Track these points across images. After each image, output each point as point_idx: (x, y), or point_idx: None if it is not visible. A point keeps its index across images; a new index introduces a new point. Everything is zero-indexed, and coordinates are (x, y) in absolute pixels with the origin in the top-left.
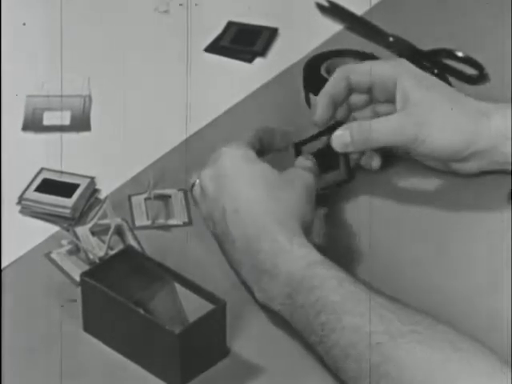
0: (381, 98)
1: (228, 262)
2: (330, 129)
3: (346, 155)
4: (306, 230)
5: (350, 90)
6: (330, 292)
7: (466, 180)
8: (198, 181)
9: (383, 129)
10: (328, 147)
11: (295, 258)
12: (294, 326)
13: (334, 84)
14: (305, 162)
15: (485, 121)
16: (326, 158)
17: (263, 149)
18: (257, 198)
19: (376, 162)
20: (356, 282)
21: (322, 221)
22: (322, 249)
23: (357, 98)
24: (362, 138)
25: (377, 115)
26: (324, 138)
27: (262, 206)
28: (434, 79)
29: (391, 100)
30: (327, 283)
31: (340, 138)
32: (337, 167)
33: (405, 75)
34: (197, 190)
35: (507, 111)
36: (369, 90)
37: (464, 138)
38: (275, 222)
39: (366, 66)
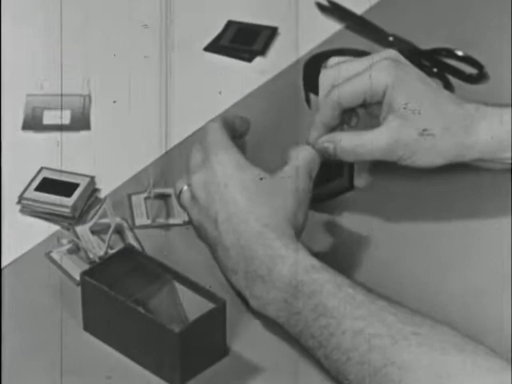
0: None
1: (221, 270)
2: None
3: (350, 164)
4: (298, 234)
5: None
6: (329, 296)
7: (465, 181)
8: (185, 187)
9: (366, 147)
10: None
11: (292, 263)
12: (290, 330)
13: (326, 115)
14: (303, 150)
15: (468, 139)
16: (330, 166)
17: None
18: (249, 205)
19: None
20: (355, 286)
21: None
22: (322, 254)
23: None
24: (344, 152)
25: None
26: None
27: (254, 213)
28: (423, 82)
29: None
30: (326, 288)
31: (323, 149)
32: (340, 175)
33: (394, 86)
34: (185, 196)
35: (493, 118)
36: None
37: (446, 160)
38: (268, 228)
39: (356, 85)
